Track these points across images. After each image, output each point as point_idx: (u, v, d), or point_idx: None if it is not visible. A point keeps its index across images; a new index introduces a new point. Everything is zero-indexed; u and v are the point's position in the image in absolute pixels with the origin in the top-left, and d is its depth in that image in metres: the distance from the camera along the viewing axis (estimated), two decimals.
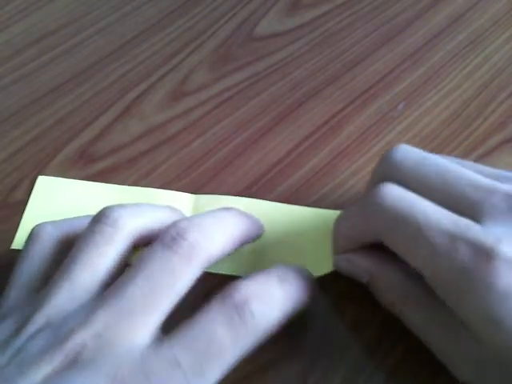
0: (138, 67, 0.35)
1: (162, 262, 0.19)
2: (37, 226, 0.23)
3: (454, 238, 0.19)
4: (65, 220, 0.24)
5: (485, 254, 0.18)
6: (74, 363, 0.18)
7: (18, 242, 0.27)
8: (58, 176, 0.30)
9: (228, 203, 0.28)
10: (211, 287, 0.21)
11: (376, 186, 0.21)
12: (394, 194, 0.21)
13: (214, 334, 0.18)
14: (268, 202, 0.28)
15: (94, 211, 0.25)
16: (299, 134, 0.31)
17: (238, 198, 0.28)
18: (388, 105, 0.32)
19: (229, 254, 0.22)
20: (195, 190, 0.29)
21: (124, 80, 0.34)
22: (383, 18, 0.36)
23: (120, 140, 0.31)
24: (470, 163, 0.22)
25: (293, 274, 0.21)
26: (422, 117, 0.32)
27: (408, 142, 0.30)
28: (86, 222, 0.24)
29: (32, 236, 0.23)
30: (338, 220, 0.24)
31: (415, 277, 0.21)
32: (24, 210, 0.28)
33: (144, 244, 0.22)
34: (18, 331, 0.19)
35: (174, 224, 0.20)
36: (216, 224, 0.21)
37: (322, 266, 0.25)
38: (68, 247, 0.23)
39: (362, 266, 0.23)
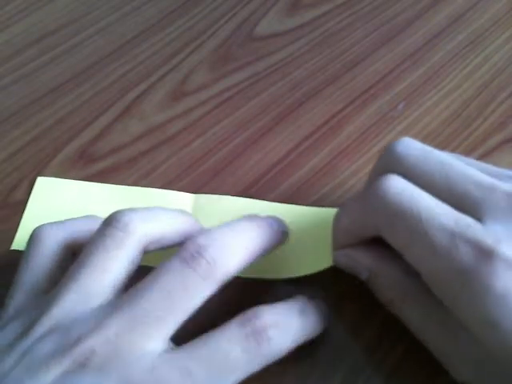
0: (138, 67, 0.35)
1: (178, 277, 0.19)
2: (39, 227, 0.23)
3: (454, 236, 0.19)
4: (66, 221, 0.24)
5: (484, 255, 0.18)
6: (83, 368, 0.18)
7: (18, 243, 0.27)
8: (58, 176, 0.30)
9: (228, 203, 0.28)
10: None
11: (378, 177, 0.21)
12: (397, 186, 0.20)
13: (229, 352, 0.19)
14: (267, 202, 0.28)
15: (93, 212, 0.25)
16: (299, 134, 0.31)
17: (237, 198, 0.28)
18: (388, 105, 0.32)
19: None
20: (195, 189, 0.29)
21: (124, 80, 0.34)
22: (383, 18, 0.36)
23: (120, 140, 0.31)
24: (473, 161, 0.22)
25: (312, 307, 0.22)
26: (422, 117, 0.32)
27: None
28: (87, 223, 0.24)
29: (35, 237, 0.23)
30: (338, 214, 0.24)
31: (414, 274, 0.21)
32: (24, 210, 0.28)
33: (154, 248, 0.22)
34: (24, 333, 0.19)
35: (193, 240, 0.20)
36: (235, 239, 0.21)
37: (322, 261, 0.25)
38: (72, 249, 0.23)
39: (362, 262, 0.23)
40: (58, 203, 0.28)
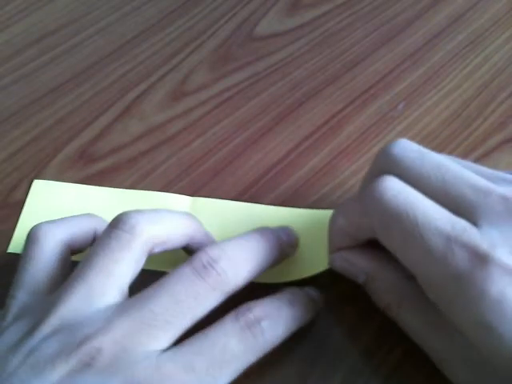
0: (138, 67, 0.35)
1: (189, 285, 0.20)
2: (37, 225, 0.23)
3: (450, 240, 0.19)
4: (64, 219, 0.24)
5: (480, 259, 0.18)
6: (89, 367, 0.18)
7: (15, 246, 0.27)
8: (58, 176, 0.30)
9: (225, 207, 0.28)
10: None
11: (374, 178, 0.21)
12: (393, 188, 0.20)
13: (227, 344, 0.20)
14: (265, 205, 0.28)
15: None
16: (299, 134, 0.31)
17: (235, 202, 0.28)
18: (388, 105, 0.32)
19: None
20: (195, 189, 0.29)
21: (124, 80, 0.34)
22: (383, 18, 0.36)
23: (120, 140, 0.31)
24: (469, 163, 0.22)
25: (300, 296, 0.23)
26: (422, 117, 0.32)
27: None
28: (86, 221, 0.24)
29: (33, 236, 0.23)
30: (334, 215, 0.24)
31: (411, 278, 0.21)
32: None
33: (159, 250, 0.22)
34: (30, 333, 0.19)
35: (206, 251, 0.21)
36: (245, 253, 0.22)
37: (319, 263, 0.25)
38: (71, 248, 0.23)
39: (359, 265, 0.23)
40: (54, 206, 0.28)
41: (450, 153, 0.30)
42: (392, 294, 0.22)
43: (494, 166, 0.24)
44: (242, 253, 0.22)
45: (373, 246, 0.22)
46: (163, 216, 0.23)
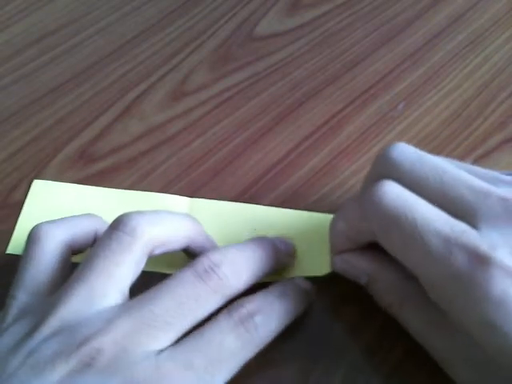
0: (138, 67, 0.35)
1: (190, 287, 0.20)
2: (38, 225, 0.23)
3: (449, 242, 0.19)
4: (65, 219, 0.24)
5: (480, 261, 0.18)
6: (89, 367, 0.18)
7: (14, 247, 0.27)
8: (58, 176, 0.30)
9: (224, 208, 0.28)
10: None
11: (374, 183, 0.21)
12: (392, 192, 0.21)
13: (223, 341, 0.20)
14: (264, 206, 0.28)
15: None
16: (299, 134, 0.31)
17: (233, 203, 0.28)
18: (388, 105, 0.32)
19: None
20: (195, 189, 0.29)
21: (124, 80, 0.34)
22: (383, 18, 0.36)
23: (120, 140, 0.31)
24: (468, 165, 0.22)
25: (290, 288, 0.23)
26: (422, 117, 0.32)
27: (408, 141, 0.30)
28: (86, 221, 0.24)
29: (34, 236, 0.23)
30: (335, 219, 0.24)
31: (412, 278, 0.21)
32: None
33: (160, 252, 0.22)
34: (30, 334, 0.19)
35: (208, 255, 0.21)
36: (245, 259, 0.22)
37: (321, 267, 0.25)
38: (71, 248, 0.23)
39: (360, 267, 0.23)
40: (53, 207, 0.28)
41: (450, 153, 0.30)
42: (393, 294, 0.22)
43: (494, 166, 0.24)
44: (243, 259, 0.22)
45: (373, 247, 0.22)
46: (164, 218, 0.23)
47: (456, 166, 0.21)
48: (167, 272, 0.25)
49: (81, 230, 0.24)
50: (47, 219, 0.24)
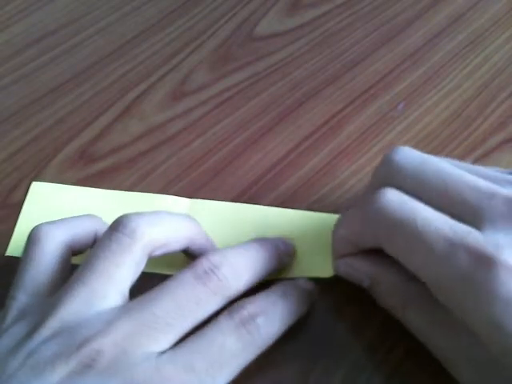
0: (138, 67, 0.35)
1: (190, 289, 0.20)
2: (38, 226, 0.23)
3: (453, 244, 0.19)
4: (65, 220, 0.24)
5: (485, 262, 0.18)
6: (89, 369, 0.18)
7: (13, 249, 0.27)
8: (58, 176, 0.30)
9: (224, 209, 0.28)
10: None
11: (376, 190, 0.21)
12: (394, 199, 0.21)
13: (224, 343, 0.20)
14: (263, 207, 0.28)
15: None
16: (299, 134, 0.31)
17: (233, 203, 0.28)
18: (388, 105, 0.32)
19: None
20: (195, 190, 0.29)
21: (124, 80, 0.34)
22: (383, 18, 0.36)
23: (120, 140, 0.31)
24: (472, 166, 0.22)
25: (292, 288, 0.23)
26: (422, 117, 0.32)
27: (408, 141, 0.31)
28: (87, 222, 0.24)
29: (34, 237, 0.23)
30: (338, 224, 0.24)
31: (415, 280, 0.21)
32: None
33: (159, 253, 0.22)
34: (29, 335, 0.19)
35: (208, 257, 0.21)
36: (245, 260, 0.22)
37: (322, 268, 0.25)
38: (72, 249, 0.23)
39: (363, 270, 0.23)
40: (52, 209, 0.28)
41: (450, 153, 0.30)
42: (396, 296, 0.23)
43: (494, 166, 0.24)
44: (243, 260, 0.22)
45: (375, 250, 0.22)
46: (164, 219, 0.23)
47: (460, 168, 0.21)
48: (167, 273, 0.25)
49: (81, 231, 0.24)
50: (46, 221, 0.24)
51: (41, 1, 0.38)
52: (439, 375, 0.22)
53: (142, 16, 0.37)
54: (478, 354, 0.20)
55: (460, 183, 0.20)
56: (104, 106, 0.33)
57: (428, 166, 0.21)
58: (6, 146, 0.31)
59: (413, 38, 0.35)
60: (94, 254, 0.21)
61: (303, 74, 0.34)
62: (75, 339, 0.19)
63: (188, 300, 0.20)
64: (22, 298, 0.21)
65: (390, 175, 0.22)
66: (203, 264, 0.21)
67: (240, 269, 0.22)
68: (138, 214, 0.22)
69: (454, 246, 0.19)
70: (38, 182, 0.29)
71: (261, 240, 0.24)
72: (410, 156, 0.22)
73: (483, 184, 0.20)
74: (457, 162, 0.23)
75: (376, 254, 0.23)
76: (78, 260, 0.23)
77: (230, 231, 0.27)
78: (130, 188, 0.29)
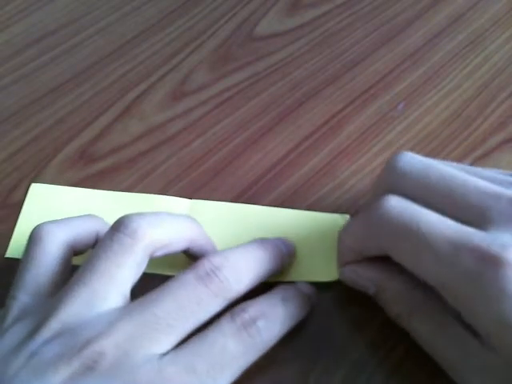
0: (138, 67, 0.35)
1: (192, 290, 0.21)
2: (40, 226, 0.23)
3: (458, 246, 0.19)
4: (66, 220, 0.24)
5: (492, 261, 0.18)
6: (92, 370, 0.18)
7: (13, 250, 0.27)
8: (58, 176, 0.30)
9: (224, 209, 0.28)
10: None
11: (378, 198, 0.22)
12: (397, 205, 0.21)
13: (226, 345, 0.20)
14: (263, 207, 0.28)
15: None
16: (299, 134, 0.31)
17: (233, 204, 0.28)
18: (388, 105, 0.32)
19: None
20: (195, 189, 0.29)
21: (124, 80, 0.34)
22: (383, 18, 0.36)
23: (120, 140, 0.31)
24: (475, 168, 0.22)
25: (293, 292, 0.23)
26: (422, 117, 0.32)
27: (408, 141, 0.31)
28: (88, 222, 0.24)
29: (36, 236, 0.23)
30: (343, 232, 0.24)
31: (421, 288, 0.21)
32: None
33: (160, 254, 0.22)
34: (31, 335, 0.19)
35: (209, 259, 0.21)
36: (247, 262, 0.22)
37: (323, 273, 0.25)
38: (73, 249, 0.23)
39: (368, 277, 0.23)
40: (51, 210, 0.28)
41: (450, 153, 0.30)
42: (402, 303, 0.23)
43: (494, 166, 0.24)
44: (244, 262, 0.22)
45: (381, 258, 0.23)
46: (165, 219, 0.23)
47: (463, 171, 0.21)
48: (168, 273, 0.25)
49: (82, 231, 0.24)
50: (48, 221, 0.23)
51: (41, 1, 0.38)
52: (438, 375, 0.22)
53: (142, 16, 0.37)
54: (487, 358, 0.20)
55: (464, 186, 0.20)
56: (104, 106, 0.33)
57: (432, 170, 0.21)
58: (6, 146, 0.31)
59: (413, 38, 0.35)
60: (95, 254, 0.21)
61: (303, 74, 0.34)
62: (77, 341, 0.19)
63: (189, 301, 0.20)
64: (22, 297, 0.21)
65: (394, 181, 0.22)
66: (205, 265, 0.21)
67: (241, 270, 0.22)
68: (139, 214, 0.22)
69: (460, 248, 0.19)
70: (38, 184, 0.29)
71: (262, 241, 0.24)
72: (412, 161, 0.22)
73: (488, 186, 0.20)
74: (461, 166, 0.23)
75: (381, 261, 0.23)
76: (78, 260, 0.23)
77: (230, 231, 0.27)
78: (130, 188, 0.29)
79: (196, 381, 0.19)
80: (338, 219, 0.27)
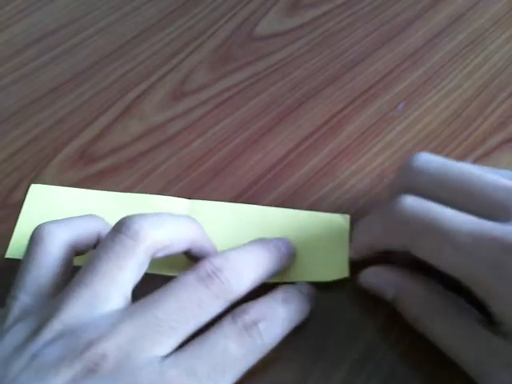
0: (138, 67, 0.35)
1: (193, 292, 0.21)
2: (41, 225, 0.23)
3: (477, 237, 0.19)
4: (68, 220, 0.24)
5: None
6: (93, 373, 0.18)
7: (12, 251, 0.27)
8: (58, 176, 0.30)
9: (224, 209, 0.28)
10: None
11: (396, 197, 0.22)
12: (415, 204, 0.21)
13: (227, 348, 0.20)
14: (263, 207, 0.28)
15: None
16: (299, 134, 0.31)
17: (233, 204, 0.28)
18: (388, 105, 0.32)
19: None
20: (195, 190, 0.29)
21: (124, 80, 0.34)
22: (383, 18, 0.36)
23: (120, 140, 0.31)
24: (490, 169, 0.23)
25: (294, 294, 0.23)
26: (422, 117, 0.32)
27: (408, 141, 0.31)
28: (89, 223, 0.24)
29: (37, 236, 0.22)
30: (358, 230, 0.24)
31: (440, 292, 0.22)
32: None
33: (162, 255, 0.22)
34: (33, 336, 0.19)
35: (210, 260, 0.21)
36: (247, 263, 0.22)
37: (324, 273, 0.25)
38: (75, 249, 0.23)
39: (388, 280, 0.23)
40: (51, 211, 0.28)
41: (450, 153, 0.30)
42: (421, 306, 0.23)
43: (494, 166, 0.24)
44: (245, 263, 0.22)
45: (398, 265, 0.23)
46: (166, 221, 0.23)
47: (479, 170, 0.22)
48: (168, 274, 0.25)
49: (84, 231, 0.23)
50: (49, 221, 0.23)
51: (41, 1, 0.38)
52: (434, 377, 0.22)
53: (142, 16, 0.37)
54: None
55: (483, 183, 0.21)
56: (104, 106, 0.33)
57: (449, 168, 0.22)
58: (6, 146, 0.31)
59: (413, 38, 0.35)
60: (96, 255, 0.21)
61: (303, 74, 0.34)
62: (79, 343, 0.19)
63: (191, 302, 0.20)
64: (23, 298, 0.21)
65: (411, 181, 0.23)
66: (206, 267, 0.21)
67: (242, 272, 0.22)
68: (141, 215, 0.22)
69: (480, 239, 0.19)
70: (37, 185, 0.29)
71: (263, 242, 0.24)
72: (429, 160, 0.23)
73: (505, 182, 0.21)
74: (477, 167, 0.23)
75: (400, 268, 0.23)
76: (79, 261, 0.23)
77: (230, 231, 0.27)
78: (130, 188, 0.29)
79: (196, 383, 0.19)
80: (338, 219, 0.27)
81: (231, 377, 0.20)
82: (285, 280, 0.25)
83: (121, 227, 0.21)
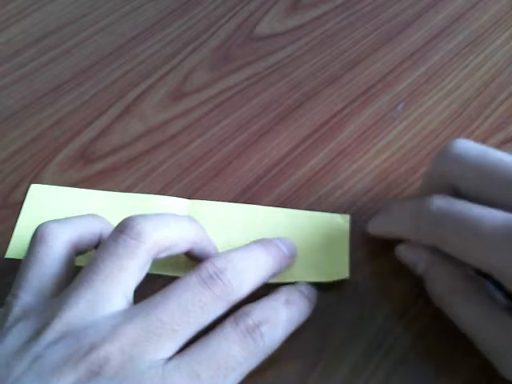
0: (138, 67, 0.35)
1: (195, 294, 0.21)
2: (44, 224, 0.23)
3: (505, 232, 0.19)
4: (70, 219, 0.24)
5: None
6: (96, 376, 0.18)
7: (12, 251, 0.27)
8: (58, 176, 0.30)
9: (223, 209, 0.28)
10: None
11: (427, 195, 0.22)
12: (443, 204, 0.21)
13: (229, 350, 0.20)
14: (263, 207, 0.28)
15: None
16: (299, 134, 0.31)
17: (232, 204, 0.28)
18: (388, 105, 0.32)
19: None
20: (195, 189, 0.29)
21: (124, 80, 0.34)
22: (383, 18, 0.36)
23: (120, 140, 0.31)
24: None
25: (295, 296, 0.23)
26: (422, 117, 0.32)
27: (408, 141, 0.31)
28: (91, 222, 0.24)
29: (39, 235, 0.22)
30: (381, 219, 0.25)
31: (469, 273, 0.22)
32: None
33: (164, 256, 0.22)
34: (34, 337, 0.19)
35: (212, 262, 0.22)
36: (249, 264, 0.22)
37: (324, 274, 0.25)
38: (76, 249, 0.23)
39: (421, 254, 0.24)
40: (51, 211, 0.28)
41: None
42: (448, 284, 0.23)
43: None
44: (247, 264, 0.22)
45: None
46: (168, 221, 0.23)
47: None
48: (170, 274, 0.25)
49: (86, 231, 0.23)
50: (51, 220, 0.23)
51: (41, 1, 0.38)
52: (435, 377, 0.22)
53: (142, 16, 0.37)
54: None
55: None
56: (104, 106, 0.33)
57: (488, 155, 0.22)
58: (6, 146, 0.31)
59: (413, 38, 0.35)
60: (99, 255, 0.21)
61: (303, 74, 0.34)
62: (82, 345, 0.19)
63: (193, 305, 0.20)
64: (25, 296, 0.21)
65: (449, 168, 0.22)
66: (208, 268, 0.21)
67: (244, 273, 0.22)
68: (143, 216, 0.22)
69: (509, 233, 0.19)
70: (37, 185, 0.29)
71: (263, 243, 0.24)
72: (469, 147, 0.22)
73: None
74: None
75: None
76: (80, 261, 0.23)
77: (230, 232, 0.27)
78: (130, 188, 0.29)
79: None
80: (338, 219, 0.27)
81: (233, 379, 0.20)
82: (284, 280, 0.25)
83: (123, 228, 0.21)
